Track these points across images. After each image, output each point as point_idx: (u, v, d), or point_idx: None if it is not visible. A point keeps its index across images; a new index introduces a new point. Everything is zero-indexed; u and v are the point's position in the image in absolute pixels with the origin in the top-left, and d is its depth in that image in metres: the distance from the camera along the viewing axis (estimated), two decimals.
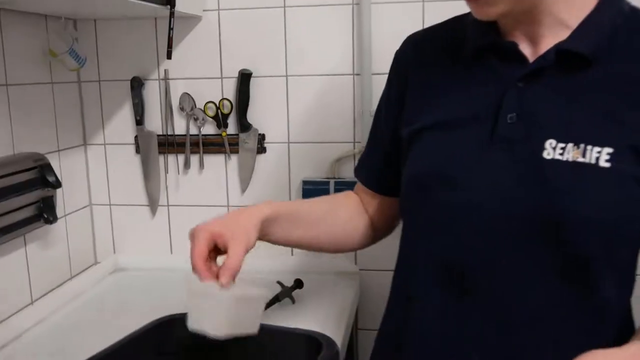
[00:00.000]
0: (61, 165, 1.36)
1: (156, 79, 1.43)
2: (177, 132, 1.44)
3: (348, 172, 1.39)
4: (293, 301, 1.22)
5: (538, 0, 0.70)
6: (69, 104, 1.42)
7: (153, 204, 1.48)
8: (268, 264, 1.34)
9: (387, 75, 0.90)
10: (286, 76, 1.38)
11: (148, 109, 1.44)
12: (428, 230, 0.77)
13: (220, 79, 1.41)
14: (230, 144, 1.42)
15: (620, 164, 0.66)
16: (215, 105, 1.41)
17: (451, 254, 0.75)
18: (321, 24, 1.35)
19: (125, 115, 1.46)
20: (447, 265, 0.75)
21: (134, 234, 1.51)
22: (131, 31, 1.41)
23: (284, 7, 1.35)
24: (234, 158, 1.44)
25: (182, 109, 1.42)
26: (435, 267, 0.76)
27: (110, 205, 1.50)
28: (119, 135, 1.47)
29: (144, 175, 1.47)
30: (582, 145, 0.67)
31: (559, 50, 0.70)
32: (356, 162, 1.00)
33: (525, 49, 0.73)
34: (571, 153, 0.67)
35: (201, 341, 0.88)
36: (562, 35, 0.71)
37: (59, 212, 1.31)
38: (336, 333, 1.07)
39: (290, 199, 1.43)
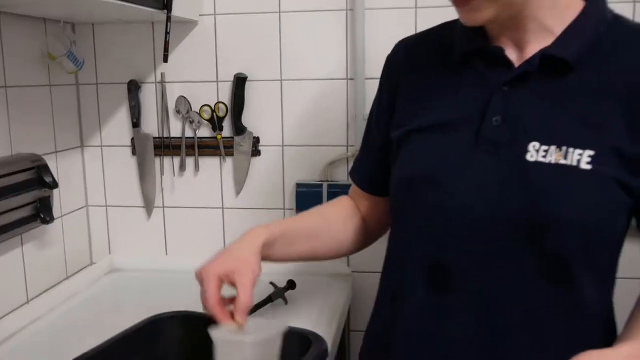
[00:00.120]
0: (58, 167, 1.38)
1: (153, 82, 1.45)
2: (173, 135, 1.46)
3: (341, 175, 1.41)
4: (286, 302, 1.23)
5: (523, 8, 0.72)
6: (67, 106, 1.43)
7: (149, 206, 1.49)
8: (262, 266, 1.36)
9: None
10: (281, 80, 1.40)
11: (145, 111, 1.46)
12: (415, 231, 0.79)
13: (216, 83, 1.43)
14: (225, 147, 1.44)
15: (602, 166, 0.68)
16: (211, 108, 1.42)
17: (437, 255, 0.76)
18: (316, 29, 1.37)
19: (122, 117, 1.47)
20: (434, 265, 0.76)
21: (129, 235, 1.52)
22: (128, 35, 1.43)
23: (279, 12, 1.37)
24: (229, 161, 1.45)
25: (178, 112, 1.44)
26: (422, 267, 0.78)
27: (106, 206, 1.52)
28: (115, 138, 1.48)
29: (140, 177, 1.49)
30: (564, 148, 0.69)
31: (543, 55, 0.72)
32: (349, 165, 1.02)
33: (512, 54, 0.75)
34: (554, 156, 0.69)
35: (190, 340, 0.91)
36: (547, 41, 0.73)
37: (56, 212, 1.32)
38: (327, 333, 1.09)
39: (284, 202, 1.45)
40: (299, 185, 1.41)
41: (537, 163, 0.70)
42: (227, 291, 0.81)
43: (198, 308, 0.93)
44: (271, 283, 1.24)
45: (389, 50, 0.92)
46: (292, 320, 1.13)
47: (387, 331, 0.84)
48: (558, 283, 0.72)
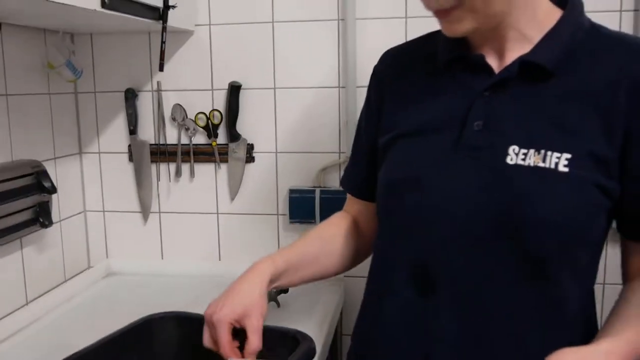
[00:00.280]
0: (57, 172, 1.41)
1: (149, 91, 1.48)
2: (169, 142, 1.48)
3: (333, 181, 1.43)
4: (278, 305, 1.25)
5: (503, 19, 0.75)
6: (66, 113, 1.46)
7: (145, 211, 1.52)
8: None
9: None
10: (274, 88, 1.43)
11: (141, 119, 1.49)
12: (399, 233, 0.82)
13: (210, 91, 1.46)
14: (220, 154, 1.47)
15: (578, 169, 0.71)
16: (206, 115, 1.45)
17: (421, 256, 0.79)
18: (308, 39, 1.40)
19: (119, 125, 1.50)
20: (418, 266, 0.79)
21: (126, 239, 1.55)
22: (126, 45, 1.46)
23: (273, 22, 1.41)
24: (223, 167, 1.48)
25: (174, 119, 1.47)
26: (405, 267, 0.80)
27: (103, 211, 1.55)
28: (113, 144, 1.51)
29: (137, 182, 1.51)
30: (542, 151, 0.72)
31: (522, 62, 0.75)
32: (341, 171, 1.05)
33: (493, 61, 0.78)
34: (532, 158, 0.72)
35: (182, 340, 0.93)
36: (526, 48, 0.76)
37: (55, 217, 1.35)
38: (318, 334, 1.12)
39: (277, 207, 1.47)
40: (292, 191, 1.43)
41: (516, 166, 0.72)
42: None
43: (191, 310, 0.96)
44: None
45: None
46: (283, 322, 1.14)
47: (371, 331, 0.86)
48: (537, 283, 0.74)
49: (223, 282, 1.30)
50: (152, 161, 1.50)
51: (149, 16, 1.18)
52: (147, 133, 1.49)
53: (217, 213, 1.50)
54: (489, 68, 0.77)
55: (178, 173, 1.50)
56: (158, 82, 1.47)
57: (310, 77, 1.41)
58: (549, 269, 0.73)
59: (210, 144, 1.47)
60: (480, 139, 0.75)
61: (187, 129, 1.47)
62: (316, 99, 1.42)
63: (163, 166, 1.50)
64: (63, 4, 0.91)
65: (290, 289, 1.30)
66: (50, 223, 1.28)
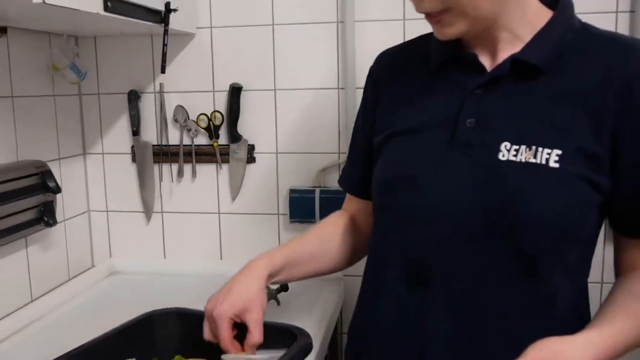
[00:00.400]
0: (61, 173, 1.43)
1: (152, 92, 1.50)
2: (171, 143, 1.51)
3: (333, 181, 1.45)
4: (278, 303, 1.27)
5: (494, 21, 0.77)
6: (70, 115, 1.49)
7: (148, 211, 1.54)
8: None
9: None
10: (275, 90, 1.45)
11: (144, 120, 1.51)
12: (393, 229, 0.83)
13: (212, 93, 1.48)
14: (221, 154, 1.49)
15: (568, 165, 0.72)
16: (208, 117, 1.47)
17: (415, 252, 0.80)
18: (308, 41, 1.42)
19: (122, 126, 1.52)
20: (412, 262, 0.80)
21: (129, 239, 1.57)
22: (128, 47, 1.49)
23: (273, 25, 1.43)
24: (224, 167, 1.50)
25: (176, 120, 1.49)
26: (401, 264, 0.82)
27: (107, 211, 1.57)
28: (116, 145, 1.53)
29: (140, 183, 1.53)
30: (533, 147, 0.73)
31: (513, 60, 0.77)
32: (341, 171, 1.06)
33: (485, 60, 0.80)
34: (524, 154, 0.73)
35: (183, 335, 0.95)
36: (518, 47, 0.77)
37: (59, 217, 1.37)
38: (316, 332, 1.13)
39: (278, 207, 1.49)
40: (292, 191, 1.45)
41: (508, 162, 0.74)
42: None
43: (192, 307, 0.98)
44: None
45: None
46: (283, 320, 1.15)
47: (366, 327, 0.88)
48: (530, 280, 0.75)
49: (225, 281, 1.33)
50: (154, 162, 1.52)
51: (150, 19, 1.20)
52: (150, 134, 1.52)
53: (219, 213, 1.52)
54: (481, 67, 0.79)
55: (180, 173, 1.52)
56: (160, 84, 1.49)
57: (310, 78, 1.43)
58: (541, 265, 0.75)
59: (212, 145, 1.48)
60: (472, 136, 0.77)
61: (189, 130, 1.49)
62: (316, 100, 1.44)
63: (165, 167, 1.52)
64: (67, 8, 0.93)
65: (291, 288, 1.32)
66: (55, 222, 1.30)
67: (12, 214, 1.18)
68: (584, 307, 0.82)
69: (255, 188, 1.50)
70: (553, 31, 0.77)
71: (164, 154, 1.51)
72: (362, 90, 0.97)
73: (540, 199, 0.72)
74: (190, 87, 1.48)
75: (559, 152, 0.72)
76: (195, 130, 1.49)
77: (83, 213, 1.55)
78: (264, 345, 0.86)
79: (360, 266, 1.43)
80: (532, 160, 0.73)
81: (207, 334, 0.87)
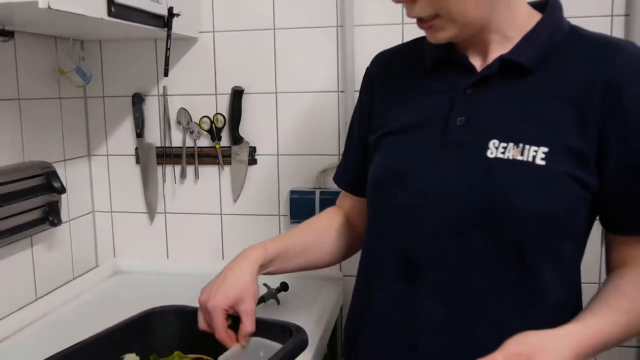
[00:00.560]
0: (67, 174, 1.46)
1: (155, 95, 1.53)
2: (174, 144, 1.53)
3: (333, 182, 1.44)
4: (278, 302, 1.29)
5: (484, 25, 0.79)
6: (75, 117, 1.51)
7: (151, 212, 1.57)
8: None
9: None
10: (276, 93, 1.47)
11: (148, 122, 1.54)
12: (387, 225, 0.85)
13: (214, 95, 1.50)
14: (223, 156, 1.51)
15: (555, 162, 0.74)
16: (210, 119, 1.50)
17: (407, 247, 0.82)
18: (308, 45, 1.44)
19: (126, 128, 1.55)
20: (405, 257, 0.82)
21: (133, 239, 1.59)
22: (133, 51, 1.51)
23: (274, 29, 1.45)
24: (226, 169, 1.52)
25: (179, 122, 1.51)
26: (393, 259, 0.83)
27: (111, 211, 1.59)
28: (120, 147, 1.56)
29: (143, 184, 1.56)
30: (521, 145, 0.75)
31: (502, 60, 0.79)
32: (336, 168, 1.08)
33: (476, 61, 0.82)
34: (511, 152, 0.75)
35: (182, 332, 0.97)
36: (508, 49, 0.80)
37: (64, 217, 1.39)
38: (315, 330, 1.15)
39: (279, 208, 1.51)
40: (292, 192, 1.47)
41: (496, 159, 0.76)
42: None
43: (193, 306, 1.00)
44: (264, 284, 1.30)
45: None
46: (283, 319, 1.19)
47: (360, 322, 0.90)
48: (519, 273, 0.77)
49: None
50: (158, 163, 1.54)
51: (154, 24, 1.23)
52: (154, 136, 1.54)
53: (221, 214, 1.55)
54: (471, 67, 0.81)
55: (183, 175, 1.54)
56: (164, 87, 1.51)
57: (310, 82, 1.45)
58: (529, 259, 0.76)
59: (214, 147, 1.51)
60: (462, 134, 0.79)
61: (191, 132, 1.51)
62: (316, 103, 1.46)
63: (168, 168, 1.54)
64: (72, 13, 0.96)
65: (291, 287, 1.34)
66: (60, 222, 1.33)
67: (17, 214, 1.21)
68: (576, 304, 0.83)
69: (256, 189, 1.52)
70: (541, 32, 0.80)
71: (167, 155, 1.53)
72: None
73: (526, 194, 0.74)
74: (193, 90, 1.50)
75: (546, 149, 0.74)
76: (198, 133, 1.51)
77: (88, 213, 1.57)
78: (260, 334, 0.89)
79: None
80: (519, 157, 0.75)
81: (201, 324, 0.89)
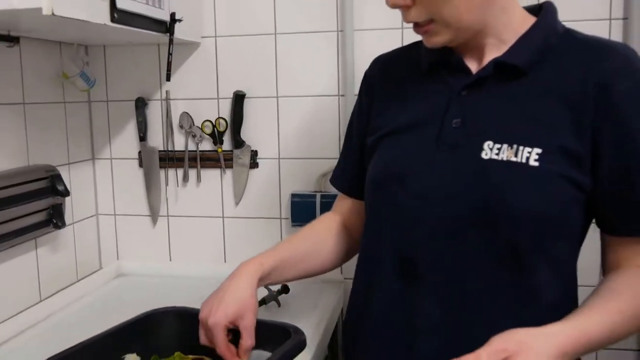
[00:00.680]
0: (71, 177, 1.47)
1: (158, 100, 1.54)
2: (176, 148, 1.54)
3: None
4: (279, 305, 1.29)
5: (479, 30, 0.80)
6: (80, 121, 1.53)
7: (154, 214, 1.58)
8: None
9: None
10: (277, 97, 1.49)
11: (151, 126, 1.55)
12: (385, 226, 0.86)
13: (216, 100, 1.51)
14: (225, 160, 1.52)
15: (548, 163, 0.75)
16: (212, 123, 1.51)
17: (404, 246, 0.83)
18: (309, 49, 1.45)
19: (130, 132, 1.57)
20: (402, 257, 0.83)
21: (136, 242, 1.61)
22: (136, 56, 1.53)
23: (275, 34, 1.47)
24: (228, 172, 1.54)
25: (181, 126, 1.53)
26: (391, 259, 0.84)
27: (115, 214, 1.61)
28: (124, 151, 1.58)
29: (146, 187, 1.57)
30: (515, 146, 0.76)
31: (496, 62, 0.80)
32: (332, 171, 1.09)
33: (472, 63, 0.84)
34: (505, 153, 0.76)
35: (183, 334, 0.98)
36: (502, 50, 0.81)
37: (68, 220, 1.41)
38: (315, 332, 1.15)
39: (280, 211, 1.52)
40: (293, 196, 1.48)
41: (490, 160, 0.77)
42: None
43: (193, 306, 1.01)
44: (265, 287, 1.30)
45: None
46: (283, 320, 1.19)
47: (358, 322, 0.91)
48: (513, 271, 0.77)
49: None
50: (160, 167, 1.55)
51: (156, 29, 1.24)
52: (156, 140, 1.56)
53: (223, 217, 1.56)
54: (467, 69, 0.83)
55: (185, 178, 1.55)
56: (167, 92, 1.53)
57: (311, 86, 1.46)
58: (524, 258, 0.77)
59: (216, 151, 1.52)
60: (458, 136, 0.80)
61: (194, 136, 1.52)
62: (317, 107, 1.47)
63: (171, 172, 1.56)
64: (75, 19, 0.98)
65: (292, 290, 1.34)
66: (63, 224, 1.35)
67: (22, 216, 1.22)
68: (572, 305, 0.84)
69: (258, 192, 1.53)
70: (536, 35, 0.81)
71: (170, 159, 1.55)
72: None
73: (521, 194, 0.75)
74: (195, 94, 1.52)
75: (539, 150, 0.75)
76: (200, 136, 1.52)
77: (91, 216, 1.59)
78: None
79: None
80: (513, 158, 0.76)
81: (203, 340, 0.90)
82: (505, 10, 0.81)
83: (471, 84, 0.82)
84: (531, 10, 0.85)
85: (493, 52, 0.82)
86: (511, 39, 0.81)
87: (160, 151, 1.55)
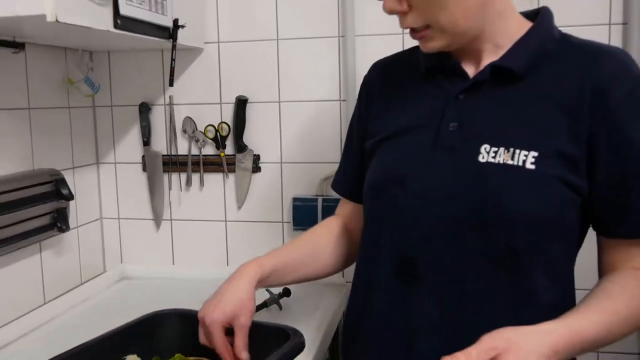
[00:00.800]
0: (75, 181, 1.49)
1: (162, 104, 1.56)
2: (180, 153, 1.56)
3: None
4: (280, 308, 1.30)
5: (476, 35, 0.81)
6: (84, 126, 1.55)
7: (157, 218, 1.59)
8: None
9: None
10: (279, 102, 1.50)
11: (154, 131, 1.57)
12: (384, 227, 0.87)
13: (219, 105, 1.53)
14: (228, 164, 1.53)
15: (544, 166, 0.76)
16: (215, 128, 1.52)
17: (403, 248, 0.84)
18: (311, 55, 1.46)
19: (133, 136, 1.58)
20: (400, 257, 0.84)
21: (139, 245, 1.62)
22: (140, 62, 1.55)
23: (277, 40, 1.48)
24: (231, 177, 1.55)
25: (184, 131, 1.54)
26: (390, 260, 0.85)
27: (118, 218, 1.62)
28: (128, 155, 1.59)
29: (150, 191, 1.59)
30: (511, 149, 0.77)
31: (492, 67, 0.81)
32: (334, 175, 1.10)
33: (469, 67, 0.85)
34: (502, 156, 0.77)
35: (184, 335, 0.99)
36: (499, 55, 0.82)
37: (72, 223, 1.42)
38: (315, 335, 1.16)
39: (282, 215, 1.53)
40: (295, 199, 1.49)
41: (487, 163, 0.78)
42: None
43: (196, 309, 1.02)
44: (267, 290, 1.31)
45: None
46: (284, 323, 1.20)
47: (358, 322, 0.91)
48: (510, 272, 0.78)
49: None
50: (164, 171, 1.57)
51: (159, 35, 1.26)
52: (160, 144, 1.57)
53: (225, 220, 1.57)
54: (463, 73, 0.84)
55: (188, 182, 1.57)
56: (170, 97, 1.54)
57: (313, 91, 1.47)
58: (522, 260, 0.78)
59: (219, 155, 1.53)
60: (455, 139, 0.81)
61: (197, 141, 1.54)
62: (318, 112, 1.48)
63: (174, 176, 1.57)
64: (79, 26, 0.99)
65: (293, 293, 1.35)
66: (67, 228, 1.36)
67: (27, 220, 1.24)
68: (570, 306, 0.82)
69: (260, 196, 1.54)
70: (532, 40, 0.82)
71: (173, 163, 1.56)
72: None
73: (518, 196, 0.76)
74: (198, 99, 1.53)
75: (536, 154, 0.76)
76: (203, 141, 1.53)
77: (95, 220, 1.60)
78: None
79: None
80: (510, 162, 0.77)
81: (202, 339, 0.91)
82: (501, 15, 0.81)
83: (468, 88, 0.83)
84: (528, 15, 0.86)
85: (490, 56, 0.83)
86: (508, 43, 0.82)
87: (163, 155, 1.56)
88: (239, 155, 1.52)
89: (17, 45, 1.21)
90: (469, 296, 0.80)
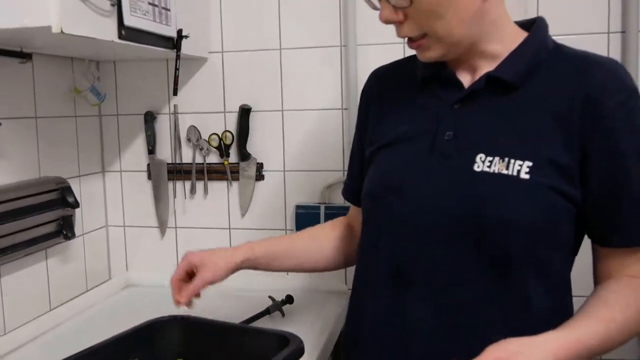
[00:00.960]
0: (81, 189, 1.51)
1: (167, 113, 1.58)
2: (184, 161, 1.57)
3: (338, 197, 1.48)
4: (283, 314, 1.31)
5: (472, 45, 0.82)
6: (90, 135, 1.57)
7: (162, 226, 1.61)
8: (262, 281, 1.41)
9: None
10: (282, 111, 1.51)
11: (159, 140, 1.58)
12: (380, 234, 0.88)
13: (223, 113, 1.54)
14: (231, 172, 1.55)
15: (539, 176, 0.76)
16: (219, 136, 1.54)
17: (399, 254, 0.85)
18: (313, 64, 1.48)
19: (139, 145, 1.60)
20: (397, 262, 0.85)
21: (144, 253, 1.64)
22: (146, 71, 1.57)
23: (280, 49, 1.50)
24: (235, 184, 1.56)
25: (189, 140, 1.56)
26: (387, 266, 0.86)
27: (124, 226, 1.64)
28: (133, 163, 1.61)
29: (155, 199, 1.60)
30: (506, 159, 0.78)
31: (488, 77, 0.82)
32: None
33: (465, 77, 0.86)
34: (497, 166, 0.78)
35: (185, 341, 1.00)
36: (494, 65, 0.83)
37: (78, 231, 1.44)
38: (317, 341, 1.17)
39: (285, 223, 1.54)
40: (298, 207, 1.50)
41: (482, 172, 0.78)
42: None
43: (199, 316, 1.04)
44: (270, 297, 1.33)
45: None
46: (286, 330, 1.21)
47: (356, 327, 0.92)
48: (502, 279, 0.79)
49: (234, 294, 1.36)
50: (169, 179, 1.58)
51: (163, 45, 1.28)
52: (165, 153, 1.59)
53: (229, 228, 1.58)
54: (459, 83, 0.85)
55: (193, 190, 1.58)
56: (175, 106, 1.56)
57: (316, 100, 1.49)
58: (515, 267, 0.78)
59: (223, 163, 1.55)
60: (450, 148, 0.82)
61: (201, 149, 1.55)
62: (321, 120, 1.49)
63: (179, 184, 1.59)
64: (84, 37, 1.02)
65: (296, 300, 1.36)
66: (73, 235, 1.38)
67: (33, 227, 1.26)
68: (566, 315, 0.83)
69: (263, 204, 1.55)
70: (526, 50, 0.83)
71: (178, 171, 1.57)
72: None
73: (513, 204, 0.76)
74: (202, 108, 1.55)
75: (530, 164, 0.77)
76: (207, 149, 1.55)
77: (101, 227, 1.62)
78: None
79: None
80: (505, 171, 0.77)
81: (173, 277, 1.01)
82: (496, 25, 0.82)
83: (463, 98, 0.84)
84: (524, 25, 0.87)
85: (485, 66, 0.84)
86: (503, 53, 0.83)
87: (168, 164, 1.58)
88: (242, 164, 1.54)
89: (25, 56, 1.24)
90: (465, 302, 0.80)
